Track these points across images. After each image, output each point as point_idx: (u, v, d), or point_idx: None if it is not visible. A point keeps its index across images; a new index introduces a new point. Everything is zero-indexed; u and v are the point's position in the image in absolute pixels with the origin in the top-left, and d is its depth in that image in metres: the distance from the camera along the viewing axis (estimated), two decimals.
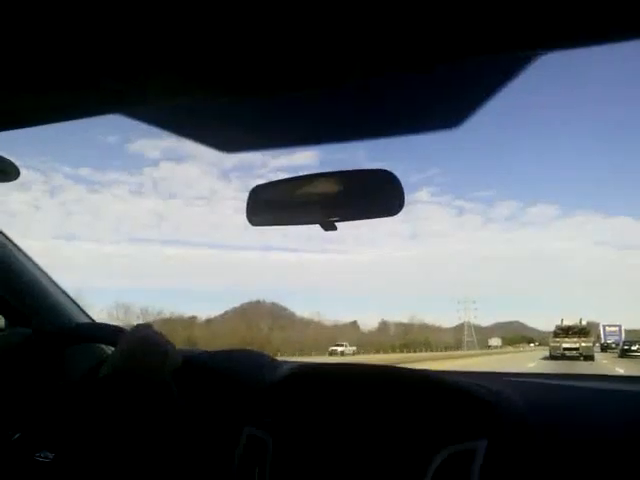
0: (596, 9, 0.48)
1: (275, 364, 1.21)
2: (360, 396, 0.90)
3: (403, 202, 0.90)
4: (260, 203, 1.00)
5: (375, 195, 0.93)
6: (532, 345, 79.98)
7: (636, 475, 0.77)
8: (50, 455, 0.86)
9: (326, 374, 1.03)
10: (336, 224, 0.94)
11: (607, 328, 43.74)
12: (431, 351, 61.34)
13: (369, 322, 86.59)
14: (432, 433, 0.81)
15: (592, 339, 30.48)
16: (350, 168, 0.96)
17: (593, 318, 32.43)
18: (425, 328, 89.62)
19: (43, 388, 0.97)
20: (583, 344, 27.23)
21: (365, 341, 66.87)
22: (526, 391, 0.98)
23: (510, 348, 73.43)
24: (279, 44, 0.54)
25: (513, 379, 1.17)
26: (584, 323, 31.28)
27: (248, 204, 1.00)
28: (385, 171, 0.90)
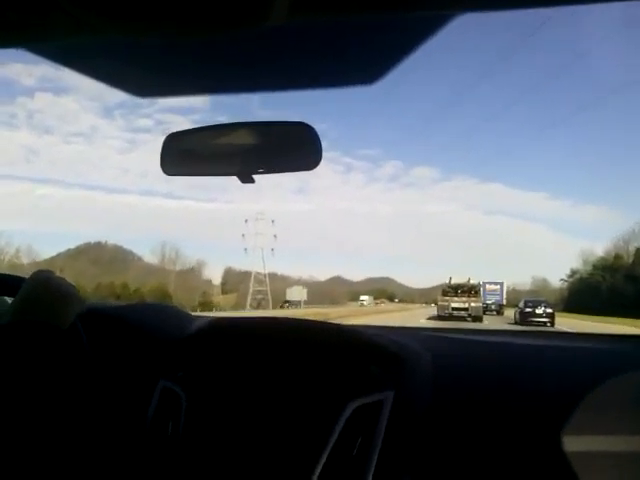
0: None
1: (188, 317, 1.20)
2: (272, 349, 0.92)
3: (321, 157, 0.91)
4: (175, 152, 0.96)
5: (294, 148, 0.93)
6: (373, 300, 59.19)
7: (537, 425, 0.84)
8: None
9: (239, 327, 1.04)
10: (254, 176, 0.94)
11: (487, 286, 35.43)
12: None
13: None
14: (343, 385, 0.85)
15: (481, 299, 28.38)
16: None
17: (464, 278, 28.59)
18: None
19: None
20: (473, 304, 25.71)
21: None
22: (433, 345, 1.04)
23: (351, 306, 48.26)
24: None
25: (422, 333, 1.26)
26: (473, 282, 28.85)
27: (162, 153, 0.96)
28: (305, 124, 0.91)
